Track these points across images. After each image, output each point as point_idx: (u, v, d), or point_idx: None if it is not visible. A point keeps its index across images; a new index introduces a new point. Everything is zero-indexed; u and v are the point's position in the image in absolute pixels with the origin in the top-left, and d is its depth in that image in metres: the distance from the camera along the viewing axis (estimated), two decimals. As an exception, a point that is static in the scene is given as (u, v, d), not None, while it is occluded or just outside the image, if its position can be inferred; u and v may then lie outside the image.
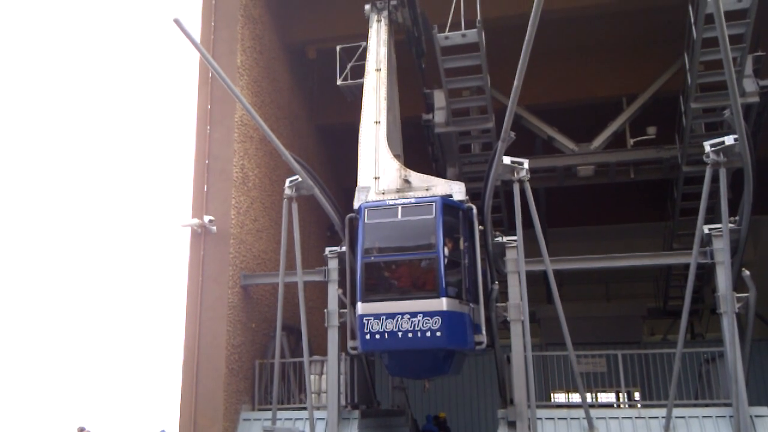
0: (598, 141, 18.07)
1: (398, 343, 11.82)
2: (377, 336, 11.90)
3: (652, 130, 18.15)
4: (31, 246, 37.97)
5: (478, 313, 12.56)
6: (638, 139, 18.14)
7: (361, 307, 12.17)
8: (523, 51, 9.28)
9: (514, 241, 13.18)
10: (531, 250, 13.17)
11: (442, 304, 11.71)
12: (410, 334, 11.72)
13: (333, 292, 14.05)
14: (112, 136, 45.83)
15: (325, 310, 14.04)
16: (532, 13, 8.64)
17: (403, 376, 13.53)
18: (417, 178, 13.18)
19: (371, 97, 14.34)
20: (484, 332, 12.54)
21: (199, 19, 16.52)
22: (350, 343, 13.31)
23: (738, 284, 12.79)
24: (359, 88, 14.94)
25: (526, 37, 9.01)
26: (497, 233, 13.83)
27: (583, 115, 19.48)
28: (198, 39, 13.95)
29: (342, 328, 13.94)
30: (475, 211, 12.88)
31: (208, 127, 15.90)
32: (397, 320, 11.81)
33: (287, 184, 14.18)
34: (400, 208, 12.54)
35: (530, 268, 13.18)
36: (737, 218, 12.79)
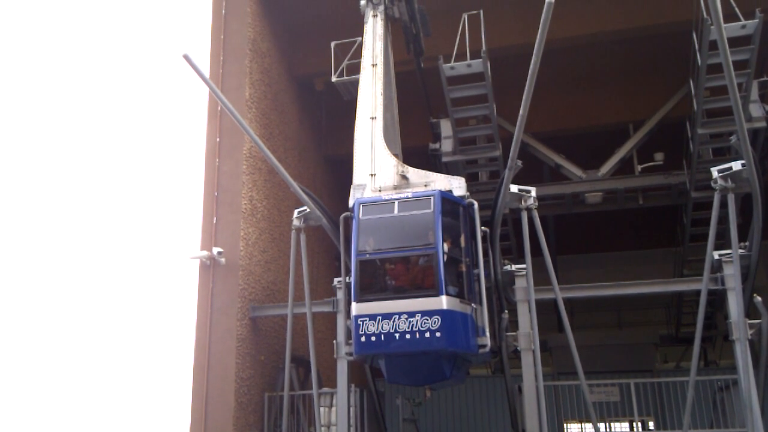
0: (606, 168, 18.08)
1: (395, 345, 11.09)
2: (373, 338, 11.17)
3: (659, 156, 18.18)
4: (40, 278, 38.09)
5: (482, 314, 11.82)
6: (646, 165, 18.16)
7: (355, 308, 11.48)
8: (528, 80, 9.34)
9: (523, 269, 13.08)
10: (540, 278, 13.09)
11: (442, 302, 11.03)
12: (408, 336, 10.99)
13: (342, 322, 13.91)
14: (123, 170, 46.18)
15: (335, 341, 13.96)
16: (537, 43, 8.71)
17: (402, 383, 12.71)
18: (415, 174, 12.63)
19: (367, 92, 13.79)
20: (488, 334, 11.70)
21: (208, 54, 16.75)
22: (345, 348, 12.78)
23: (750, 310, 12.66)
24: (354, 85, 14.52)
25: (531, 66, 9.08)
26: (506, 262, 13.76)
27: (590, 142, 19.54)
28: (207, 74, 14.11)
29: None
30: (476, 206, 12.21)
31: (217, 160, 16.01)
32: (394, 321, 11.09)
33: (295, 215, 14.20)
34: (396, 203, 11.89)
35: (540, 297, 13.08)
36: (747, 243, 12.71)
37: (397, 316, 11.12)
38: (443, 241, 11.37)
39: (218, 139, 16.13)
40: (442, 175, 12.80)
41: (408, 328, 11.02)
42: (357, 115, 13.59)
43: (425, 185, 12.33)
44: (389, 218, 11.88)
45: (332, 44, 16.07)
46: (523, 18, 16.78)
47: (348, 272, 12.24)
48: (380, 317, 11.22)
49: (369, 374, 15.10)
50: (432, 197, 11.69)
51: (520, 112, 9.98)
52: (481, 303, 11.89)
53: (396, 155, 13.44)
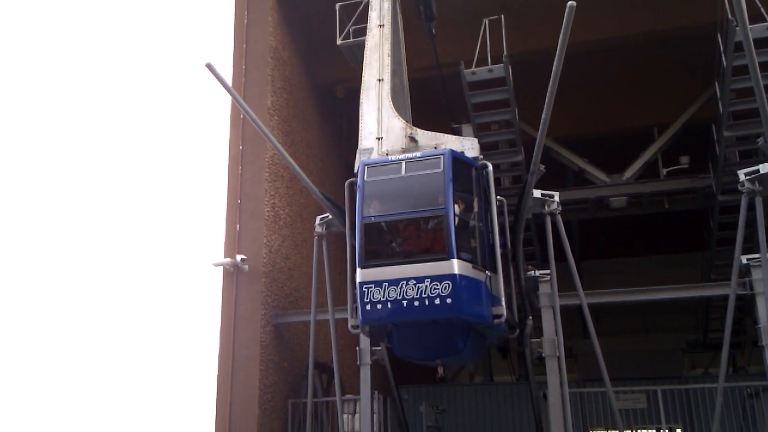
0: (630, 172, 17.90)
1: (403, 312, 10.22)
2: (379, 306, 10.28)
3: (684, 160, 17.94)
4: (63, 284, 38.57)
5: (497, 283, 10.90)
6: (671, 168, 17.94)
7: (360, 274, 10.60)
8: (550, 84, 9.27)
9: (547, 275, 12.96)
10: (565, 284, 12.97)
11: (453, 266, 10.07)
12: (416, 303, 10.08)
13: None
14: (146, 178, 46.69)
15: (357, 348, 13.95)
16: (559, 46, 8.65)
17: (411, 358, 11.80)
18: (424, 135, 11.74)
19: (374, 54, 13.04)
20: (503, 304, 10.78)
21: (230, 62, 16.91)
22: (351, 322, 11.90)
23: (780, 315, 12.42)
24: (360, 48, 13.85)
25: (553, 70, 9.01)
26: (530, 267, 13.64)
27: (614, 146, 19.37)
28: (229, 82, 14.21)
29: (374, 365, 13.81)
30: (490, 168, 11.32)
31: (240, 168, 16.12)
32: (402, 287, 10.21)
33: (317, 221, 14.17)
34: (404, 163, 11.02)
35: (565, 303, 12.96)
36: (776, 247, 12.48)
37: (404, 281, 10.24)
38: (454, 202, 10.55)
39: (241, 147, 16.24)
40: (454, 136, 12.00)
41: (416, 294, 10.15)
42: (363, 78, 12.92)
43: (435, 147, 11.50)
44: (396, 179, 11.05)
45: (337, 6, 15.64)
46: (544, 22, 16.70)
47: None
48: (386, 283, 10.33)
49: (392, 381, 15.05)
50: (442, 156, 10.86)
51: (543, 116, 9.90)
52: (495, 271, 10.97)
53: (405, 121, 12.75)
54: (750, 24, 8.50)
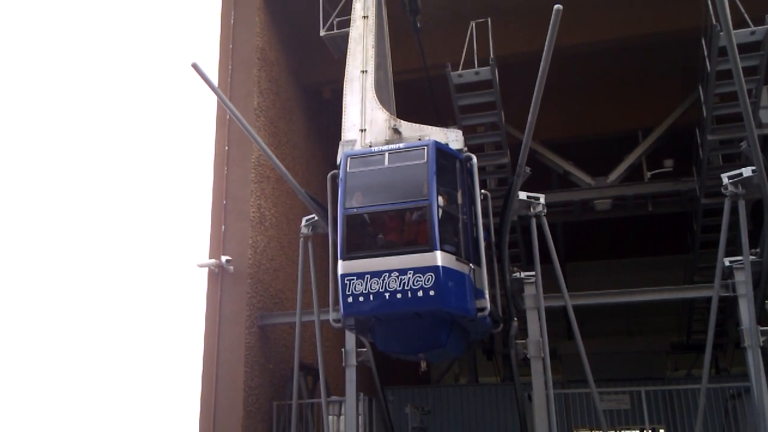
0: (615, 174, 18.02)
1: (385, 305, 10.13)
2: (361, 298, 10.19)
3: (668, 163, 18.09)
4: (49, 285, 38.26)
5: (480, 276, 10.84)
6: (655, 171, 18.06)
7: (342, 266, 10.51)
8: (536, 87, 9.32)
9: (532, 276, 13.03)
10: (550, 286, 13.03)
11: (436, 258, 9.99)
12: (399, 295, 10.00)
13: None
14: (131, 178, 46.41)
15: (343, 349, 13.94)
16: (545, 50, 8.71)
17: (394, 352, 11.55)
18: (408, 127, 11.62)
19: (358, 45, 12.86)
20: (487, 297, 10.70)
21: (216, 63, 16.85)
22: (332, 315, 11.83)
23: (762, 317, 12.57)
24: (345, 39, 13.75)
25: (540, 73, 9.07)
26: (515, 269, 13.70)
27: (599, 149, 19.49)
28: (216, 82, 14.14)
29: (359, 367, 13.80)
30: (475, 161, 11.24)
31: (226, 168, 16.06)
32: (384, 279, 10.12)
33: (303, 222, 14.19)
34: (387, 154, 10.95)
35: (549, 304, 13.02)
36: (758, 250, 12.64)
37: (387, 273, 10.15)
38: (438, 194, 10.41)
39: (227, 148, 16.18)
40: (438, 128, 11.88)
41: (399, 286, 10.04)
42: (346, 69, 12.82)
43: (419, 139, 11.39)
44: (379, 170, 10.98)
45: None
46: (531, 25, 16.79)
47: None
48: (369, 276, 10.24)
49: (377, 382, 15.07)
50: (426, 147, 10.71)
51: (529, 119, 9.96)
52: (479, 264, 10.92)
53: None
54: (734, 29, 8.59)
